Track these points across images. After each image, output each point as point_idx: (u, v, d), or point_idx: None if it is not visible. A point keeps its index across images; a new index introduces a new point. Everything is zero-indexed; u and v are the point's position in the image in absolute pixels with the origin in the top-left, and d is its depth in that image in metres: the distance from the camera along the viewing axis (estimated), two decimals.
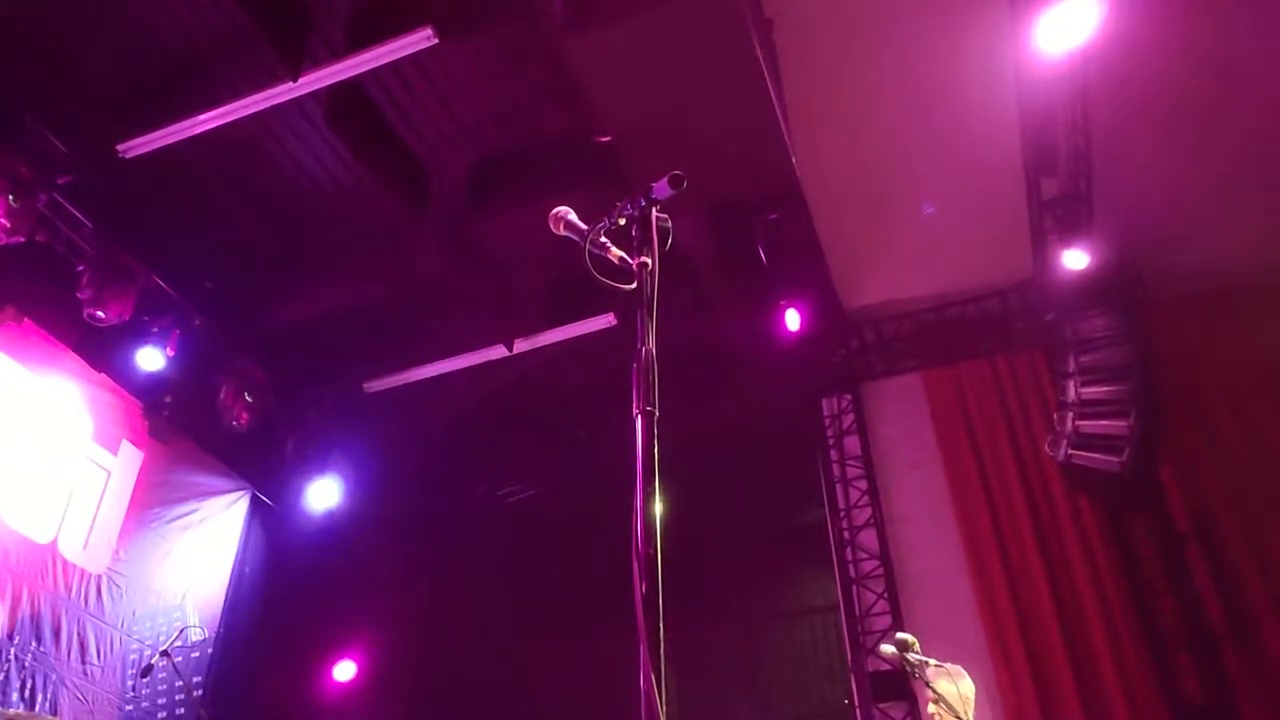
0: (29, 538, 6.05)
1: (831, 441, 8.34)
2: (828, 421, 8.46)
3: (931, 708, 4.10)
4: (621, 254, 2.01)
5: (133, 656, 6.64)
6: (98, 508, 6.62)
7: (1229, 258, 6.88)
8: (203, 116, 5.84)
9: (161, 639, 6.60)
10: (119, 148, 5.96)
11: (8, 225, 5.65)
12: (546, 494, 9.70)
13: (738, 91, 5.10)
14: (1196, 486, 6.92)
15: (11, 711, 5.46)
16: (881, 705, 7.06)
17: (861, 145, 6.72)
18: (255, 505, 8.18)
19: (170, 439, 7.33)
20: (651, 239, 1.97)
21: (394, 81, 6.12)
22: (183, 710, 6.71)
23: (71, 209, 6.24)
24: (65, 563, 6.28)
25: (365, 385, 8.22)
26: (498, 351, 7.81)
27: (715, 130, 5.34)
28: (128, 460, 6.92)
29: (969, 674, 4.12)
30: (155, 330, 6.88)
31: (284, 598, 8.21)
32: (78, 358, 6.60)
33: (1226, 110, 6.10)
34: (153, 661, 5.85)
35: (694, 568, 7.43)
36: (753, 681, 7.90)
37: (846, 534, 7.87)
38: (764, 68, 5.04)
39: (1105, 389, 6.75)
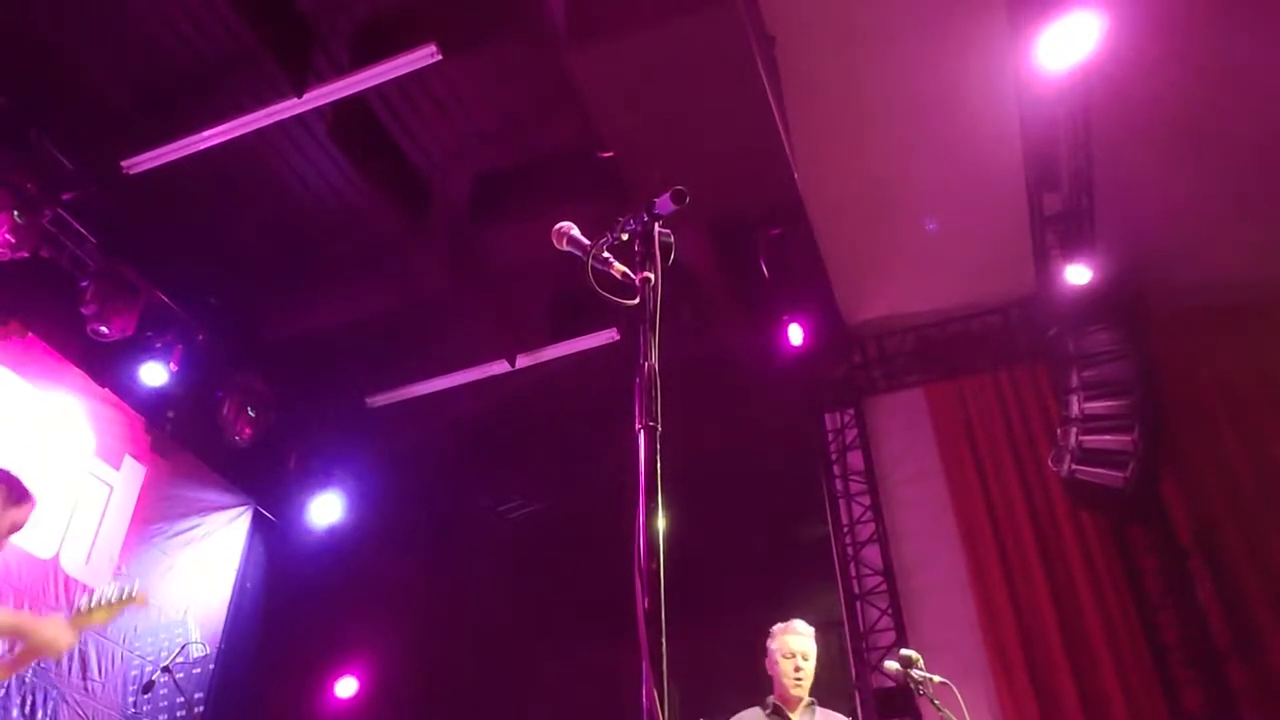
0: (31, 553, 6.05)
1: (834, 456, 8.32)
2: (830, 436, 8.44)
3: None
4: (624, 269, 2.01)
5: (134, 672, 6.62)
6: (100, 523, 6.61)
7: (1232, 273, 6.87)
8: (207, 132, 5.87)
9: (163, 655, 6.59)
10: (123, 164, 5.99)
11: (12, 241, 5.67)
12: (549, 509, 9.68)
13: (740, 107, 5.12)
14: (1200, 501, 6.90)
15: None
16: None
17: (863, 160, 6.74)
18: (257, 520, 8.18)
19: (173, 454, 7.34)
20: (654, 254, 1.97)
21: (397, 97, 6.15)
22: None
23: (76, 225, 6.27)
24: (67, 578, 6.27)
25: (368, 400, 8.23)
26: (500, 366, 7.81)
27: (718, 145, 5.36)
28: (130, 475, 6.92)
29: (959, 691, 4.11)
30: (158, 345, 6.90)
31: (286, 613, 8.19)
32: (81, 373, 6.61)
33: (1229, 125, 6.11)
34: (154, 678, 5.84)
35: (696, 583, 7.40)
36: (756, 697, 7.84)
37: (850, 549, 7.85)
38: (766, 83, 5.06)
39: (1108, 404, 6.74)
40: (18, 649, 3.33)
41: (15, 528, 3.37)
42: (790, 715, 4.31)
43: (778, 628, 4.53)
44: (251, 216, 6.98)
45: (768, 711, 4.34)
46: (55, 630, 3.18)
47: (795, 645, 4.40)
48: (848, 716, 4.46)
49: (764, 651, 4.54)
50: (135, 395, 6.96)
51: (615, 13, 4.85)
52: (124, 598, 3.27)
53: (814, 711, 4.36)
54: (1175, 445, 7.02)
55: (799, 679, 4.33)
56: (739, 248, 7.07)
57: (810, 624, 4.59)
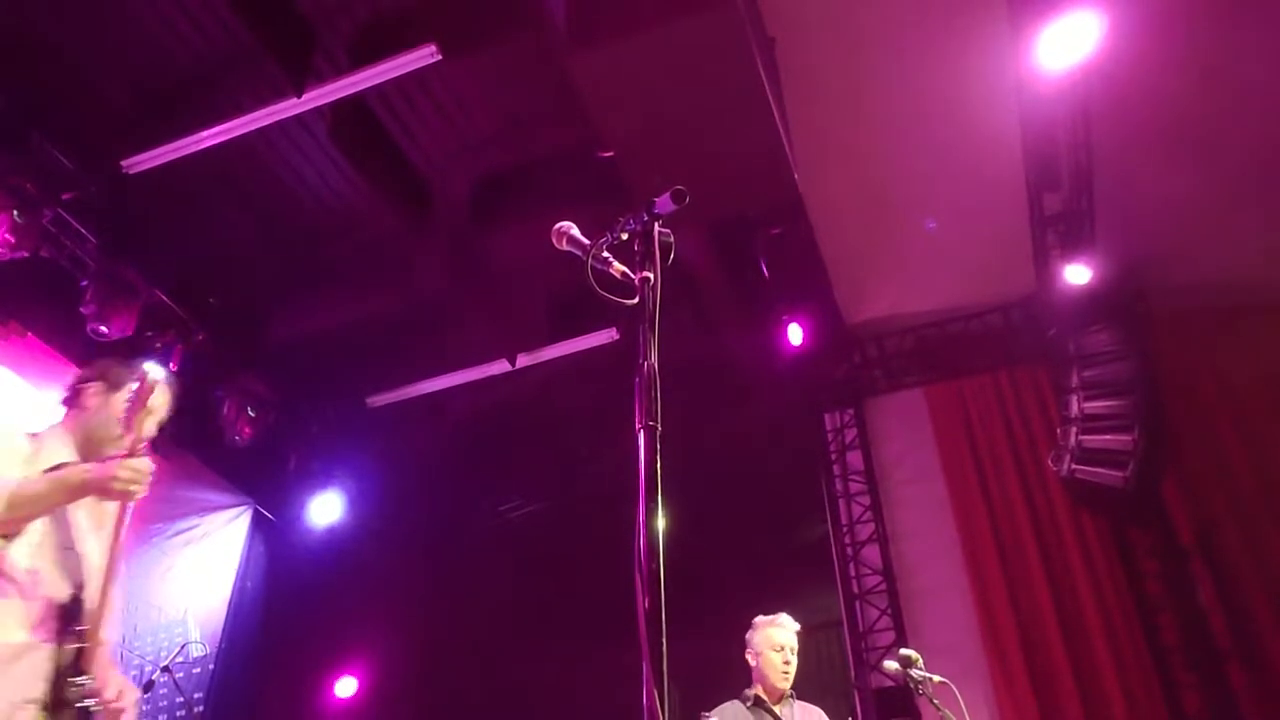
0: None
1: (834, 457, 8.32)
2: (830, 436, 8.44)
3: None
4: (624, 269, 2.01)
5: (133, 672, 6.62)
6: None
7: (1231, 273, 6.88)
8: (207, 132, 5.86)
9: (163, 655, 6.59)
10: (123, 164, 5.98)
11: (12, 241, 5.66)
12: (549, 509, 9.68)
13: (740, 107, 5.11)
14: (1200, 501, 6.90)
15: None
16: None
17: (864, 160, 6.74)
18: (257, 520, 8.18)
19: (172, 454, 7.33)
20: (654, 254, 1.97)
21: (397, 97, 6.15)
22: None
23: (76, 225, 6.26)
24: None
25: (368, 400, 8.22)
26: (500, 366, 7.82)
27: (718, 146, 5.35)
28: None
29: (958, 691, 4.12)
30: (158, 346, 6.89)
31: (285, 613, 8.19)
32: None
33: (1228, 126, 6.11)
34: (154, 677, 5.84)
35: (696, 583, 7.40)
36: None
37: (849, 549, 7.85)
38: (766, 84, 5.06)
39: (1108, 404, 6.74)
40: (111, 513, 2.86)
41: (147, 408, 2.95)
42: (773, 708, 4.34)
43: (761, 620, 4.58)
44: (251, 217, 6.97)
45: (749, 704, 4.37)
46: (110, 470, 2.60)
47: (782, 638, 4.46)
48: (835, 714, 4.48)
49: (744, 644, 4.58)
50: None
51: (615, 14, 4.85)
52: (145, 384, 2.81)
53: (793, 705, 4.40)
54: (1175, 445, 7.02)
55: (786, 671, 4.39)
56: (739, 248, 7.07)
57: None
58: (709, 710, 4.41)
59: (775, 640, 4.45)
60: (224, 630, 7.49)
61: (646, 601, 1.54)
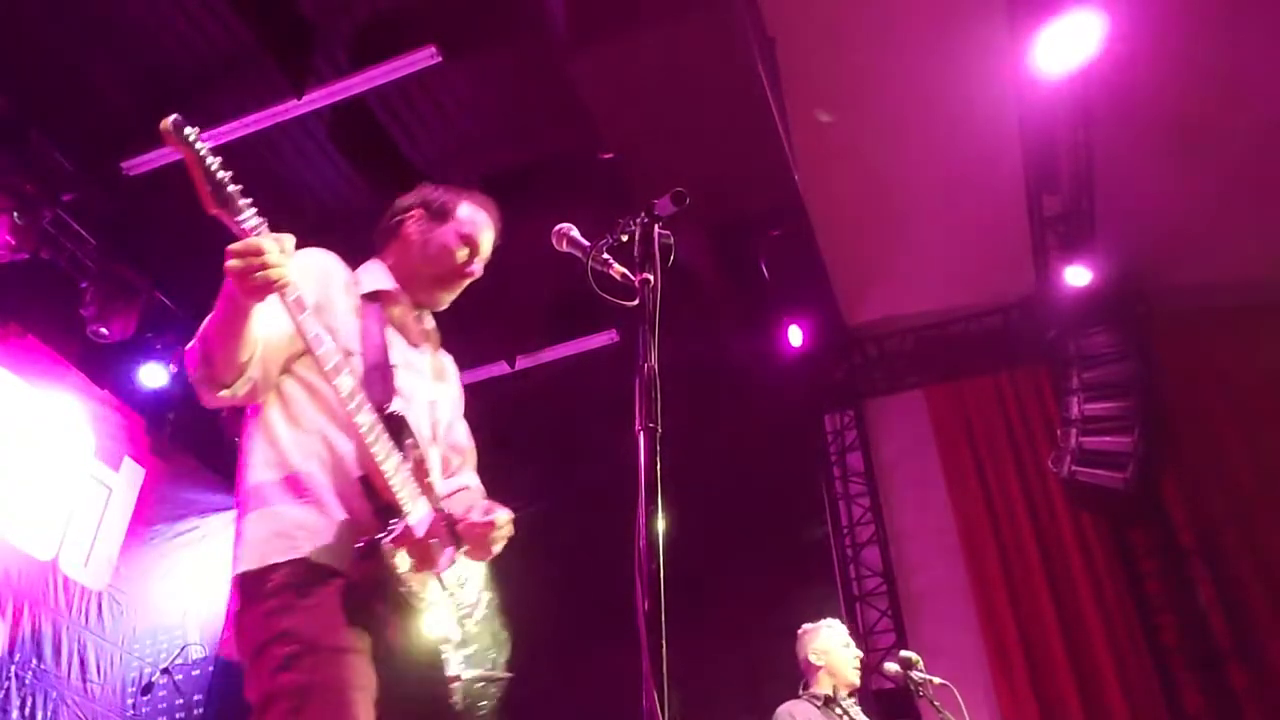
0: (30, 555, 6.05)
1: (834, 458, 8.32)
2: (830, 438, 8.44)
3: None
4: (624, 270, 2.01)
5: (133, 674, 6.61)
6: (99, 525, 6.61)
7: (1231, 273, 6.88)
8: (206, 134, 5.83)
9: (162, 657, 6.59)
10: (123, 165, 5.98)
11: (12, 242, 5.67)
12: (549, 510, 9.66)
13: (740, 109, 5.12)
14: (1200, 502, 6.90)
15: None
16: None
17: (864, 162, 6.74)
18: None
19: (172, 456, 7.33)
20: (654, 255, 1.97)
21: (397, 99, 6.14)
22: None
23: (76, 226, 6.26)
24: (66, 580, 6.27)
25: None
26: (500, 368, 7.81)
27: (718, 147, 5.36)
28: (129, 477, 6.92)
29: (959, 693, 4.14)
30: (158, 347, 6.89)
31: None
32: (80, 374, 6.60)
33: (1228, 127, 6.11)
34: (153, 679, 5.85)
35: (696, 585, 7.39)
36: (756, 698, 7.82)
37: (849, 551, 7.85)
38: (766, 85, 5.06)
39: (1108, 405, 6.74)
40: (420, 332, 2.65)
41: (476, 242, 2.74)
42: (843, 703, 4.40)
43: (813, 626, 4.73)
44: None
45: (819, 704, 4.40)
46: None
47: (847, 636, 4.66)
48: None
49: (796, 650, 4.67)
50: (135, 397, 6.95)
51: (615, 14, 4.85)
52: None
53: (853, 703, 4.53)
54: (1175, 446, 7.01)
55: (858, 666, 4.60)
56: (739, 249, 7.06)
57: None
58: (726, 714, 4.47)
59: (843, 637, 4.61)
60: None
61: (646, 602, 1.54)
